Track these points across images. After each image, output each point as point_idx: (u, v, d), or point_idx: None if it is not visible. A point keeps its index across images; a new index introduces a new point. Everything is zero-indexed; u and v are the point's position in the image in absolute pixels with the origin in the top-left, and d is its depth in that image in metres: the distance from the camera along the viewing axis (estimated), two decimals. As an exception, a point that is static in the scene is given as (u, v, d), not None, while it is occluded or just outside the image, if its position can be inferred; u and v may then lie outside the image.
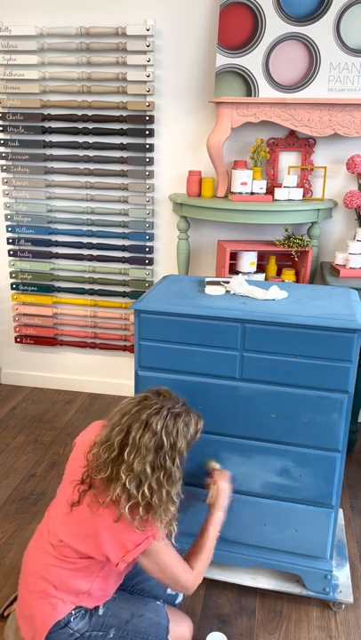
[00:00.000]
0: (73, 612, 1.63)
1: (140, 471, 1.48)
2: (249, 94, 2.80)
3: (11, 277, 3.58)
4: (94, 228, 3.38)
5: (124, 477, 1.48)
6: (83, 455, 1.64)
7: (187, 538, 2.14)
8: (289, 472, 1.94)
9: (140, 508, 1.49)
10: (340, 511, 2.48)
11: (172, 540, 1.63)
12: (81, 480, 1.58)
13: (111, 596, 1.72)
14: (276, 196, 2.91)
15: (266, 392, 1.87)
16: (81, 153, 3.25)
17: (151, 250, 3.34)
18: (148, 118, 3.07)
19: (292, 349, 1.81)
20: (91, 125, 3.17)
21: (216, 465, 1.98)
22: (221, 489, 1.86)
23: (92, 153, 3.23)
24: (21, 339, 3.69)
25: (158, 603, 1.79)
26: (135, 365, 1.98)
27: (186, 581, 1.65)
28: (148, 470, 1.49)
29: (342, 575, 2.12)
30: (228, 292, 2.07)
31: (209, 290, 2.05)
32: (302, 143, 2.97)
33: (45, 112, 3.22)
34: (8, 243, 3.50)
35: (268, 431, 1.91)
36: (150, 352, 1.94)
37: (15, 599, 2.02)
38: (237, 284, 2.05)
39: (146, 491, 1.49)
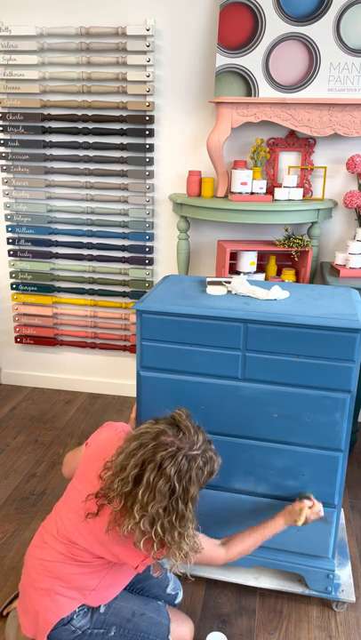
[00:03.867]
0: (77, 610, 1.64)
1: (153, 513, 1.47)
2: (249, 94, 2.81)
3: (11, 277, 3.58)
4: (94, 228, 3.38)
5: (137, 517, 1.47)
6: (97, 465, 1.63)
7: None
8: (291, 472, 1.95)
9: (155, 544, 1.50)
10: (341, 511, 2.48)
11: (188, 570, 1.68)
12: (96, 494, 1.58)
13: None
14: (276, 196, 2.92)
15: (268, 392, 1.87)
16: (81, 153, 3.25)
17: (151, 250, 3.34)
18: (148, 118, 3.07)
19: (294, 349, 1.82)
20: (91, 125, 3.17)
21: (310, 495, 1.93)
22: (306, 515, 1.84)
23: (92, 153, 3.23)
24: (21, 339, 3.69)
25: (160, 602, 1.80)
26: (137, 366, 1.98)
27: (217, 564, 1.81)
28: (161, 512, 1.48)
29: (344, 574, 2.13)
30: (229, 292, 2.07)
31: (210, 290, 2.05)
32: (302, 143, 2.97)
33: (45, 112, 3.22)
34: (8, 243, 3.49)
35: (270, 431, 1.92)
36: (152, 352, 1.94)
37: (15, 597, 2.02)
38: (239, 284, 2.05)
39: (159, 529, 1.48)
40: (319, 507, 1.88)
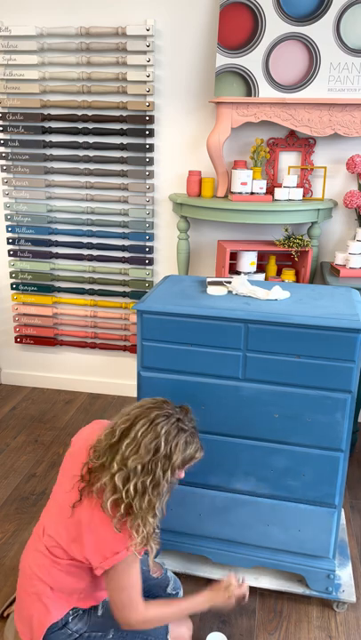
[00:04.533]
0: (71, 613, 1.63)
1: (131, 468, 1.48)
2: (249, 94, 2.81)
3: (11, 277, 3.58)
4: (94, 228, 3.37)
5: (115, 468, 1.49)
6: (81, 452, 1.63)
7: (182, 537, 2.15)
8: (292, 472, 1.95)
9: (122, 506, 1.48)
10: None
11: (151, 560, 1.62)
12: (80, 476, 1.58)
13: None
14: (276, 196, 2.92)
15: (269, 392, 1.87)
16: (81, 153, 3.25)
17: (151, 250, 3.34)
18: (148, 118, 3.07)
19: (295, 349, 1.82)
20: (91, 125, 3.17)
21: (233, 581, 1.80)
22: (227, 597, 1.73)
23: (92, 153, 3.23)
24: (21, 339, 3.69)
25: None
26: (138, 366, 1.98)
27: (129, 615, 1.57)
28: (139, 469, 1.48)
29: (345, 574, 2.13)
30: (230, 292, 2.07)
31: (211, 290, 2.05)
32: (302, 143, 2.97)
33: (45, 112, 3.22)
34: (8, 243, 3.49)
35: (271, 431, 1.92)
36: (153, 352, 1.94)
37: (15, 599, 2.02)
38: (239, 284, 2.05)
39: (131, 489, 1.48)
40: (245, 589, 1.76)
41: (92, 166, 3.26)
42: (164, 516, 1.60)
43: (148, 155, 3.16)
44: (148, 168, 3.19)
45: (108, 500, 1.48)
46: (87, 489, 1.56)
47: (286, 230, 2.97)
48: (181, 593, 1.93)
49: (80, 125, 3.18)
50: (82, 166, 3.26)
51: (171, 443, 1.52)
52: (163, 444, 1.50)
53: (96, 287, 3.50)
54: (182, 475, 1.65)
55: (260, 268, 3.06)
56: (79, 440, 1.73)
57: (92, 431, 1.72)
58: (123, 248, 3.37)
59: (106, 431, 1.58)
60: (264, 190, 2.91)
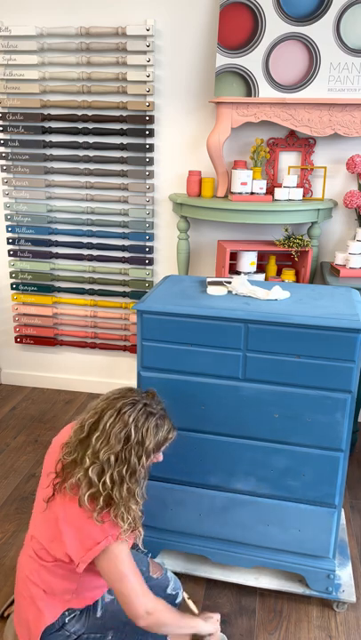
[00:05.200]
0: (67, 614, 1.62)
1: (104, 460, 1.47)
2: (249, 94, 2.81)
3: (11, 277, 3.58)
4: (94, 228, 3.37)
5: (87, 462, 1.48)
6: (58, 447, 1.63)
7: (182, 537, 2.15)
8: (292, 472, 1.95)
9: (101, 499, 1.48)
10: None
11: (140, 544, 1.60)
12: (55, 473, 1.57)
13: (108, 598, 1.71)
14: (276, 196, 2.92)
15: (269, 392, 1.87)
16: (81, 153, 3.25)
17: (151, 250, 3.34)
18: (148, 118, 3.07)
19: (295, 349, 1.82)
20: (91, 125, 3.17)
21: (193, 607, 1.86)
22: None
23: (92, 153, 3.23)
24: (21, 339, 3.69)
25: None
26: (138, 366, 1.98)
27: (139, 605, 1.52)
28: (112, 460, 1.48)
29: (345, 574, 2.13)
30: (230, 292, 2.07)
31: (211, 290, 2.05)
32: (302, 143, 2.97)
33: (45, 112, 3.21)
34: (8, 243, 3.49)
35: (271, 431, 1.92)
36: (153, 352, 1.94)
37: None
38: (240, 284, 2.05)
39: (107, 481, 1.47)
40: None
41: (92, 166, 3.26)
42: (146, 499, 1.60)
43: (148, 155, 3.16)
44: (148, 168, 3.19)
45: (84, 494, 1.48)
46: (60, 485, 1.55)
47: (286, 230, 2.97)
48: (182, 593, 1.93)
49: (80, 125, 3.18)
50: (82, 166, 3.26)
51: (141, 429, 1.52)
52: (133, 431, 1.50)
53: (96, 287, 3.50)
54: (160, 457, 1.65)
55: (260, 267, 3.06)
56: (57, 438, 1.74)
57: (68, 429, 1.72)
58: (123, 248, 3.37)
59: (75, 427, 1.57)
60: (264, 190, 2.91)
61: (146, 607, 1.53)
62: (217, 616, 1.81)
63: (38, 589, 1.62)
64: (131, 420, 1.50)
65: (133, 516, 1.51)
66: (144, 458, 1.53)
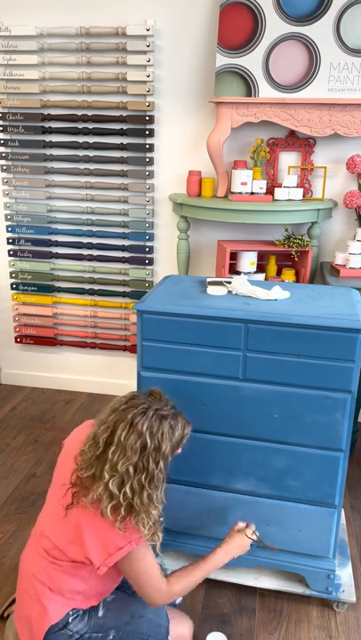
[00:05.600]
0: (70, 613, 1.63)
1: (123, 472, 1.48)
2: (249, 94, 2.81)
3: (11, 277, 3.58)
4: (94, 228, 3.38)
5: (107, 477, 1.48)
6: (72, 456, 1.63)
7: (182, 537, 2.15)
8: (292, 472, 1.95)
9: (122, 509, 1.49)
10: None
11: (158, 548, 1.61)
12: (71, 482, 1.58)
13: (110, 597, 1.72)
14: (276, 196, 2.92)
15: (269, 392, 1.87)
16: (81, 153, 3.25)
17: (151, 250, 3.34)
18: (148, 118, 3.07)
19: (295, 349, 1.82)
20: (91, 125, 3.17)
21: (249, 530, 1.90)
22: (241, 543, 1.83)
23: (92, 153, 3.23)
24: (21, 339, 3.69)
25: (158, 604, 1.79)
26: (138, 366, 1.98)
27: (155, 599, 1.63)
28: (131, 471, 1.48)
29: (345, 574, 2.13)
30: (230, 292, 2.07)
31: (211, 290, 2.05)
32: (302, 143, 2.97)
33: (45, 112, 3.22)
34: (8, 243, 3.49)
35: (271, 431, 1.92)
36: (153, 353, 1.94)
37: (15, 600, 2.02)
38: (240, 284, 2.05)
39: (128, 491, 1.48)
40: (253, 527, 1.88)
41: (92, 166, 3.26)
42: (165, 504, 1.61)
43: (148, 155, 3.16)
44: (148, 168, 3.19)
45: (106, 507, 1.48)
46: (79, 494, 1.56)
47: (286, 230, 2.97)
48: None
49: (80, 125, 3.18)
50: (82, 166, 3.26)
51: (156, 435, 1.52)
52: (148, 439, 1.50)
53: (96, 287, 3.50)
54: (180, 451, 1.66)
55: (260, 267, 3.06)
56: (69, 442, 1.74)
57: (80, 433, 1.72)
58: (123, 248, 3.37)
59: (88, 443, 1.57)
60: (264, 190, 2.91)
61: (163, 600, 1.64)
62: (239, 527, 1.87)
63: (44, 587, 1.62)
64: (144, 428, 1.50)
65: (154, 521, 1.53)
66: (162, 462, 1.53)
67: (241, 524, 1.88)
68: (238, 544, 1.82)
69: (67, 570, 1.61)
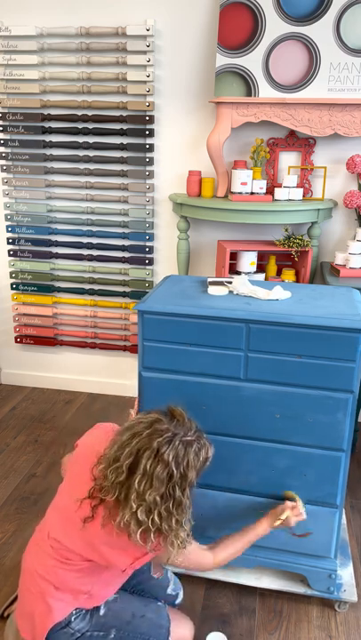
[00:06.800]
0: (74, 612, 1.63)
1: (150, 501, 1.46)
2: (249, 94, 2.81)
3: (11, 277, 3.57)
4: (94, 228, 3.37)
5: (135, 507, 1.46)
6: (88, 464, 1.61)
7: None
8: (294, 472, 1.95)
9: (151, 534, 1.48)
10: (342, 510, 2.48)
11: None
12: (89, 495, 1.57)
13: (112, 596, 1.72)
14: (276, 196, 2.92)
15: (270, 392, 1.87)
16: (81, 153, 3.24)
17: (151, 250, 3.34)
18: (148, 118, 3.07)
19: (296, 349, 1.82)
20: (91, 125, 3.17)
21: (295, 496, 1.95)
22: (289, 518, 1.87)
23: (92, 153, 3.23)
24: (21, 339, 3.68)
25: (160, 604, 1.79)
26: (139, 366, 1.97)
27: (204, 569, 1.81)
28: (158, 500, 1.47)
29: (346, 574, 2.13)
30: (230, 292, 2.07)
31: (212, 290, 2.05)
32: (302, 143, 2.97)
33: (45, 112, 3.21)
34: (8, 243, 3.49)
35: (272, 431, 1.92)
36: (154, 353, 1.94)
37: (15, 599, 2.02)
38: (240, 284, 2.05)
39: (156, 518, 1.47)
40: (301, 509, 1.91)
41: (92, 166, 3.26)
42: (192, 524, 1.63)
43: (148, 155, 3.15)
44: (148, 168, 3.19)
45: (136, 533, 1.48)
46: (98, 508, 1.56)
47: (286, 230, 2.97)
48: (182, 594, 1.94)
49: (80, 125, 3.18)
50: (82, 166, 3.26)
51: (182, 464, 1.50)
52: (174, 468, 1.48)
53: (96, 287, 3.50)
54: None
55: (260, 268, 3.06)
56: (84, 451, 1.73)
57: (95, 439, 1.72)
58: (123, 248, 3.37)
59: (110, 463, 1.52)
60: (264, 190, 2.91)
61: (211, 567, 1.79)
62: (284, 507, 1.90)
63: (49, 585, 1.62)
64: (171, 458, 1.48)
65: (181, 540, 1.54)
66: (188, 489, 1.53)
67: (289, 504, 1.90)
68: (282, 522, 1.86)
69: (80, 569, 1.61)
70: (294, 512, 1.88)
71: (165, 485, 1.48)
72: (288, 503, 1.90)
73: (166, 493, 1.48)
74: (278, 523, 1.85)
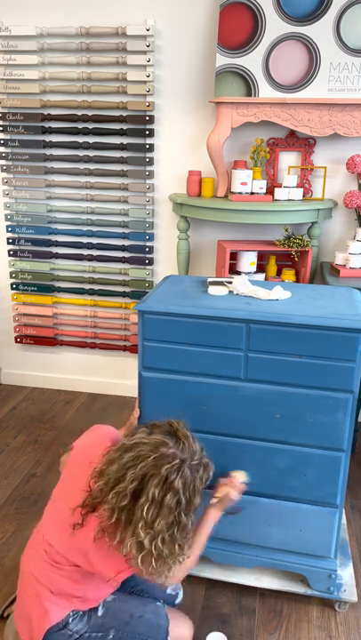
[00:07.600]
0: (71, 614, 1.63)
1: (158, 530, 1.43)
2: (249, 94, 2.81)
3: (11, 277, 3.57)
4: (94, 228, 3.37)
5: (142, 535, 1.42)
6: (83, 471, 1.59)
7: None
8: (294, 472, 1.95)
9: (153, 559, 1.45)
10: (342, 510, 2.48)
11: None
12: (82, 504, 1.54)
13: (110, 597, 1.72)
14: (276, 196, 2.92)
15: (270, 392, 1.87)
16: (81, 153, 3.24)
17: (151, 250, 3.34)
18: (148, 118, 3.07)
19: (296, 349, 1.82)
20: (91, 125, 3.17)
21: (240, 475, 1.91)
22: (231, 495, 1.83)
23: (92, 153, 3.23)
24: (21, 339, 3.68)
25: (158, 604, 1.79)
26: (139, 366, 1.97)
27: (184, 575, 1.70)
28: (165, 527, 1.44)
29: (346, 574, 2.13)
30: (231, 292, 2.07)
31: (212, 290, 2.05)
32: (302, 143, 2.97)
33: (45, 112, 3.21)
34: (8, 243, 3.49)
35: (272, 431, 1.92)
36: (154, 353, 1.94)
37: (15, 599, 2.02)
38: (241, 284, 2.05)
39: (159, 543, 1.44)
40: (242, 479, 1.87)
41: (92, 166, 3.26)
42: (191, 548, 1.62)
43: (148, 155, 3.15)
44: (148, 168, 3.19)
45: (137, 558, 1.44)
46: (89, 515, 1.53)
47: (286, 230, 2.97)
48: (181, 593, 1.94)
49: (80, 125, 3.18)
50: (82, 166, 3.26)
51: (188, 489, 1.48)
52: (182, 496, 1.46)
53: (96, 287, 3.50)
54: None
55: (260, 267, 3.06)
56: (80, 454, 1.71)
57: (92, 442, 1.70)
58: (123, 248, 3.37)
59: (111, 487, 1.47)
60: (264, 190, 2.91)
61: (183, 574, 1.71)
62: (231, 481, 1.86)
63: (45, 589, 1.62)
64: (180, 486, 1.45)
65: (178, 561, 1.51)
66: (192, 513, 1.51)
67: (223, 480, 1.86)
68: (228, 500, 1.83)
69: (70, 574, 1.61)
70: (231, 485, 1.84)
71: (174, 512, 1.45)
72: (222, 480, 1.86)
73: (173, 520, 1.45)
74: (215, 500, 1.82)
